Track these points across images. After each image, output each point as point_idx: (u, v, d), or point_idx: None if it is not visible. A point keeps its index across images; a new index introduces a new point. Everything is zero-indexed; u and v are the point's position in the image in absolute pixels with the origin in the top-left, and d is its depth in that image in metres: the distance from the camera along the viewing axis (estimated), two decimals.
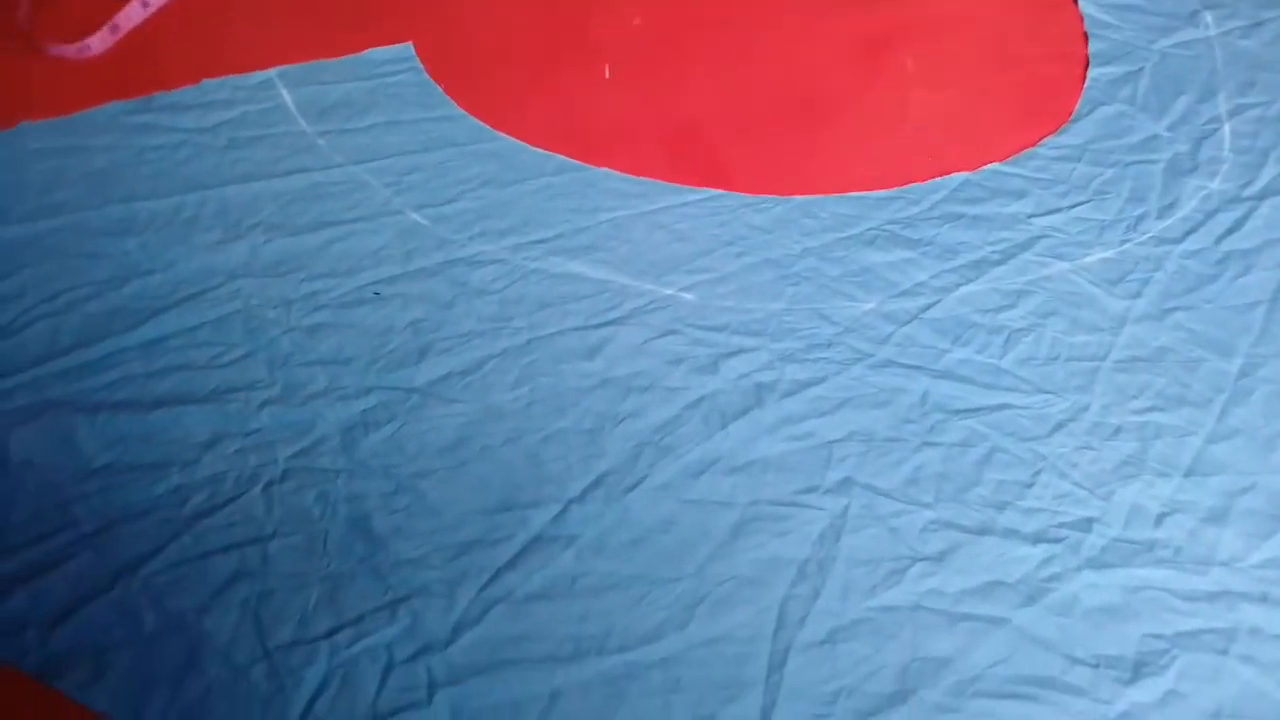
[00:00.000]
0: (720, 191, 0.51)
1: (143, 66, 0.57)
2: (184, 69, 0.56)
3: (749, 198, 0.51)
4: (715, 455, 0.41)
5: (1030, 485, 0.40)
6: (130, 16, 0.59)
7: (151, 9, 0.60)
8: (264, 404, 0.42)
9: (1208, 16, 0.62)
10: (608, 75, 0.58)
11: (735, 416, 0.42)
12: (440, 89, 0.56)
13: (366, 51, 0.58)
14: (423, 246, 0.48)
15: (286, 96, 0.55)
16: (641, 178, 0.52)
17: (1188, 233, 0.50)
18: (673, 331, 0.45)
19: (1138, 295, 0.47)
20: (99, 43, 0.58)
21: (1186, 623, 0.36)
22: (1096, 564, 0.38)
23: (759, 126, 0.55)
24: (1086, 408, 0.43)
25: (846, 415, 0.42)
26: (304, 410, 0.42)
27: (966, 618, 0.36)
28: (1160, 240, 0.50)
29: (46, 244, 0.47)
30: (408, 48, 0.58)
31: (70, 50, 0.57)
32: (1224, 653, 0.36)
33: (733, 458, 0.41)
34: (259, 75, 0.56)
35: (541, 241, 0.49)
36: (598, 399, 0.43)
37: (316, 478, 0.40)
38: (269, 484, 0.39)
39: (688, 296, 0.47)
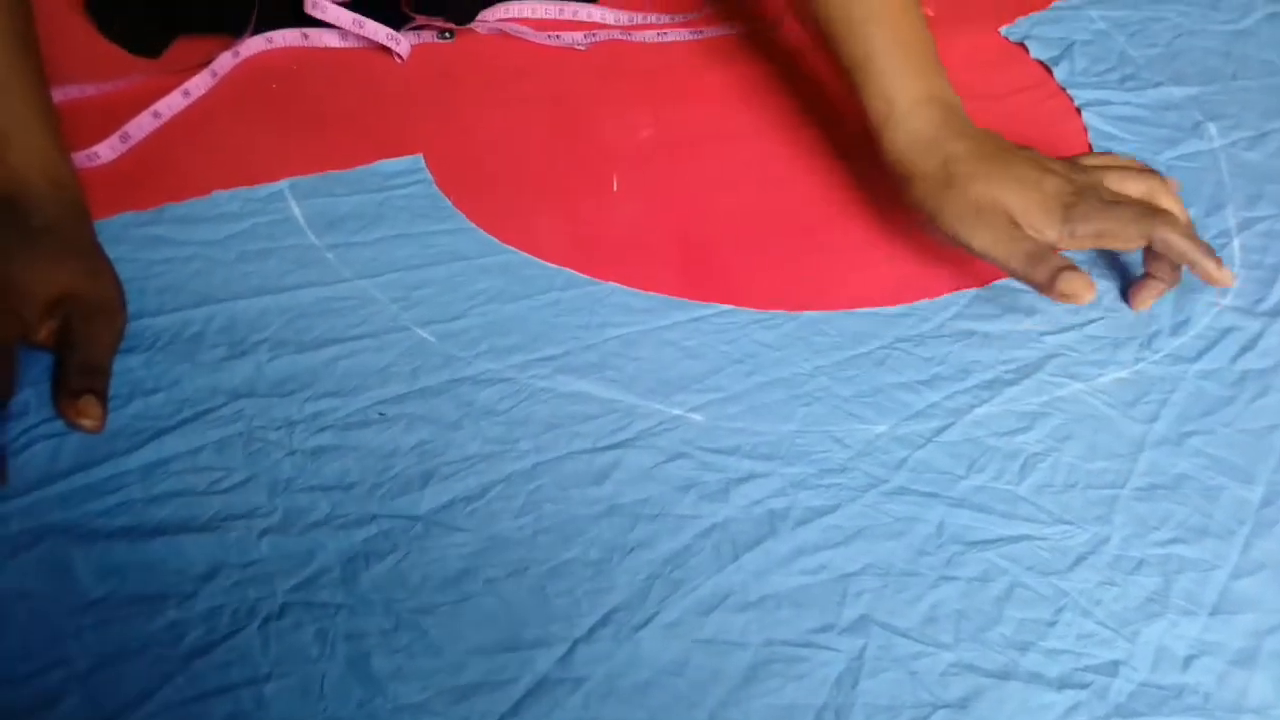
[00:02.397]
0: (730, 307, 0.51)
1: (153, 176, 0.57)
2: (195, 179, 0.57)
3: (759, 313, 0.51)
4: (728, 589, 0.40)
5: (1053, 624, 0.39)
6: (141, 125, 0.60)
7: (163, 119, 0.61)
8: (264, 532, 0.41)
9: (1212, 128, 0.63)
10: (615, 187, 0.58)
11: (748, 547, 0.41)
12: (449, 201, 0.56)
13: (377, 163, 0.58)
14: (429, 364, 0.48)
15: (296, 209, 0.55)
16: (650, 292, 0.52)
17: (1202, 352, 0.49)
18: (682, 455, 0.44)
19: (1155, 418, 0.46)
20: (109, 151, 0.58)
21: None
22: (1125, 712, 0.36)
23: (769, 239, 0.55)
24: (1107, 539, 0.42)
25: (861, 546, 0.41)
26: (304, 540, 0.41)
27: None
28: (1175, 359, 0.49)
29: (49, 362, 0.46)
30: (418, 159, 0.59)
31: (80, 158, 0.57)
32: None
33: (745, 592, 0.40)
34: (270, 187, 0.56)
35: (549, 359, 0.48)
36: (606, 527, 0.42)
37: (315, 613, 0.39)
38: (266, 619, 0.38)
39: (697, 417, 0.46)
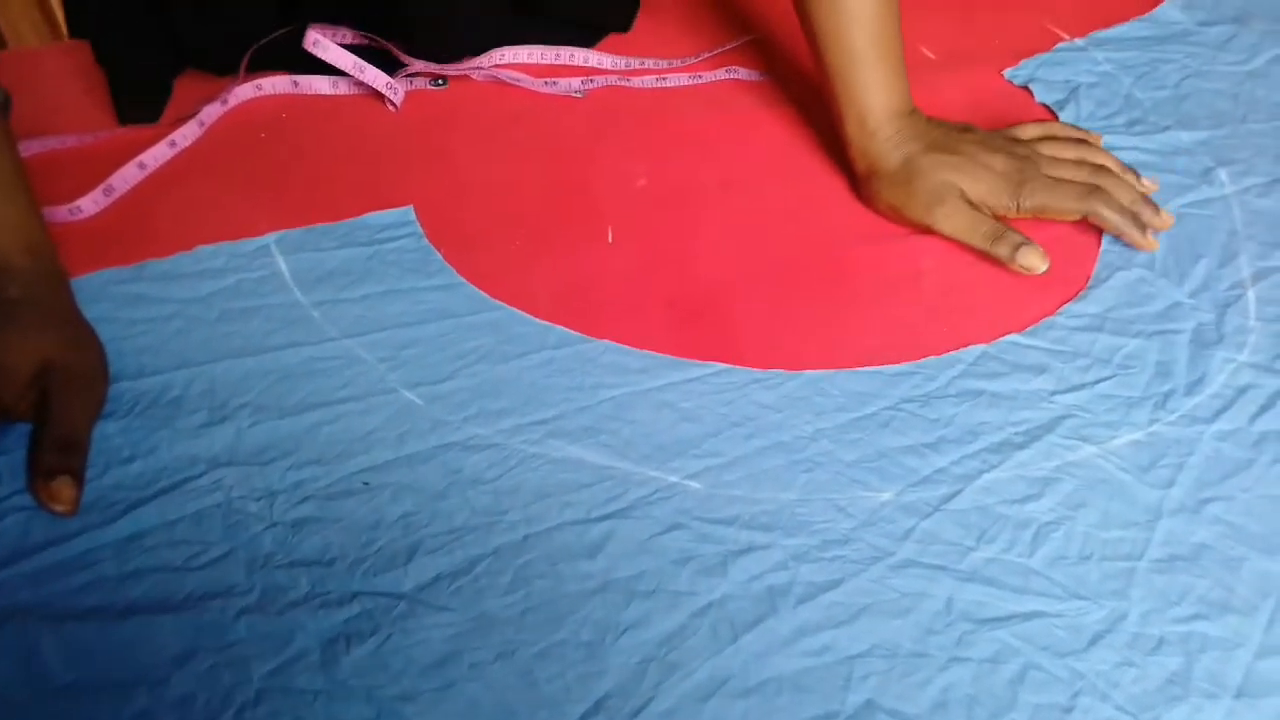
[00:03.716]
0: (727, 366, 0.49)
1: (136, 230, 0.56)
2: (179, 233, 0.55)
3: (758, 373, 0.49)
4: (726, 674, 0.38)
5: (1069, 710, 0.37)
6: (126, 177, 0.58)
7: (148, 170, 0.59)
8: (241, 612, 0.39)
9: (1223, 174, 0.61)
10: (610, 239, 0.56)
11: (747, 627, 0.39)
12: (440, 255, 0.55)
13: (366, 215, 0.57)
14: (416, 429, 0.46)
15: (282, 264, 0.54)
16: (645, 350, 0.50)
17: (1219, 412, 0.48)
18: (679, 526, 0.43)
19: (1171, 484, 0.44)
20: (92, 204, 0.57)
21: None
22: None
23: (766, 294, 0.54)
24: (1125, 616, 0.40)
25: (866, 625, 0.39)
26: (283, 620, 0.39)
27: None
28: (1191, 420, 0.47)
29: (24, 429, 0.45)
30: (408, 211, 0.57)
31: (61, 211, 0.56)
32: None
33: (745, 677, 0.38)
34: (255, 241, 0.55)
35: (540, 423, 0.46)
36: (598, 605, 0.40)
37: (293, 700, 0.37)
38: (242, 708, 0.36)
39: (694, 485, 0.44)
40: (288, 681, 0.37)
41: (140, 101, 0.63)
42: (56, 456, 0.42)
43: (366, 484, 0.44)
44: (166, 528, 0.42)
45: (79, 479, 0.42)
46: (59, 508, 0.41)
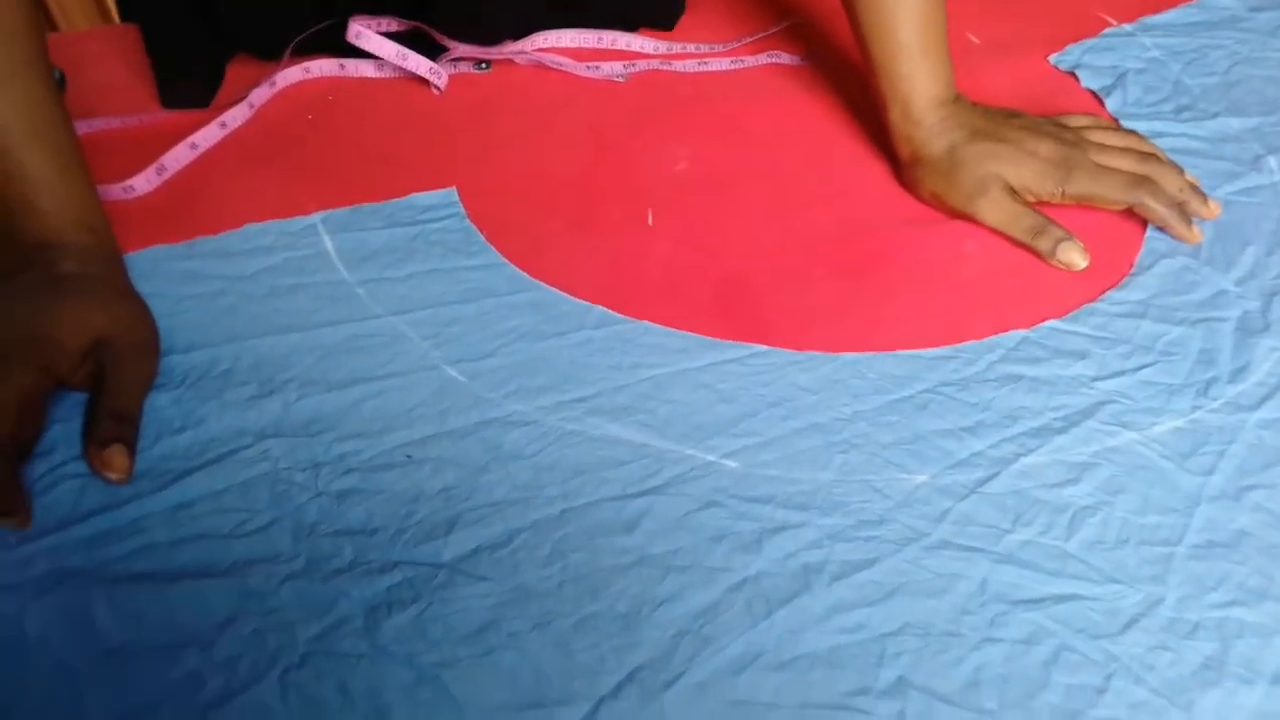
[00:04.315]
0: (765, 348, 0.50)
1: (187, 208, 0.57)
2: (229, 211, 0.56)
3: (795, 355, 0.49)
4: (760, 648, 0.38)
5: (1103, 691, 0.37)
6: (178, 157, 0.60)
7: (200, 150, 0.61)
8: (286, 579, 0.40)
9: (1272, 161, 0.60)
10: (650, 221, 0.57)
11: (781, 603, 0.39)
12: (482, 235, 0.55)
13: (410, 196, 0.58)
14: (458, 405, 0.47)
15: (329, 243, 0.55)
16: (684, 331, 0.50)
17: (1262, 400, 0.47)
18: (714, 503, 0.43)
19: (1212, 471, 0.44)
20: (145, 183, 0.58)
21: None
22: None
23: (806, 278, 0.54)
24: (1161, 600, 0.40)
25: (900, 604, 0.40)
26: (327, 587, 0.40)
27: None
28: (1234, 408, 0.47)
29: (79, 398, 0.46)
30: (451, 193, 0.58)
31: (115, 189, 0.57)
32: None
33: (778, 652, 0.38)
34: (302, 220, 0.56)
35: (579, 401, 0.47)
36: (634, 579, 0.40)
37: (336, 664, 0.38)
38: (286, 670, 0.37)
39: (730, 464, 0.45)
40: (331, 645, 0.38)
41: (189, 87, 0.65)
42: (111, 426, 0.44)
43: (409, 457, 0.44)
44: (215, 496, 0.43)
45: (131, 448, 0.44)
46: (113, 475, 0.43)
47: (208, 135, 0.61)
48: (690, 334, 0.50)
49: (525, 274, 0.53)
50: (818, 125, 0.64)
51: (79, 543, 0.41)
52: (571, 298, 0.52)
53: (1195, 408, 0.47)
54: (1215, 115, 0.63)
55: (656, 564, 0.41)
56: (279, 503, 0.43)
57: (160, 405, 0.46)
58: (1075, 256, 0.53)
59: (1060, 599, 0.40)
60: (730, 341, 0.50)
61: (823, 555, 0.41)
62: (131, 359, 0.46)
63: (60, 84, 0.62)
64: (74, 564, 0.40)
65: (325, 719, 0.36)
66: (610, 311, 0.51)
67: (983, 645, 0.38)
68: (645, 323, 0.51)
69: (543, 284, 0.53)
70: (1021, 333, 0.50)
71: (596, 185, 0.59)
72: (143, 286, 0.50)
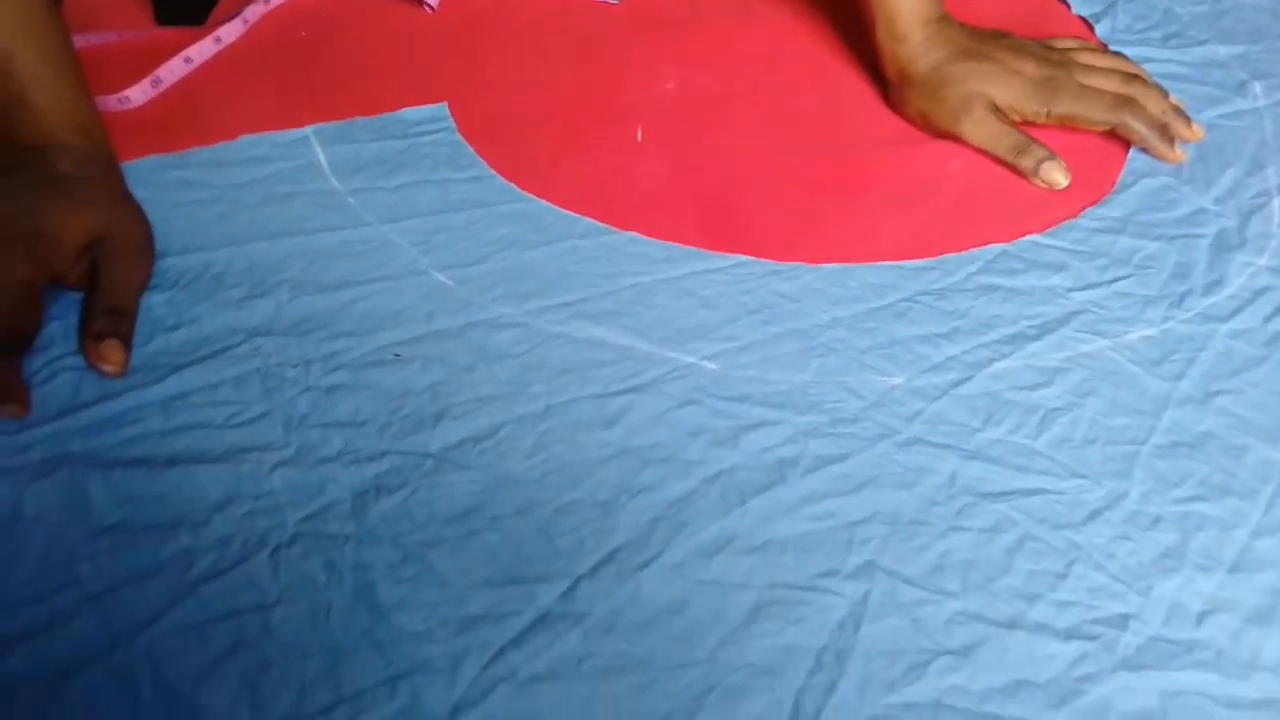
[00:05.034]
0: (749, 258, 0.51)
1: (183, 120, 0.58)
2: (223, 124, 0.57)
3: (778, 265, 0.50)
4: (732, 533, 0.39)
5: (1064, 576, 0.38)
6: (173, 70, 0.60)
7: (194, 64, 0.61)
8: (277, 465, 0.41)
9: (1257, 87, 0.61)
10: (639, 138, 0.57)
11: (755, 493, 0.41)
12: (472, 149, 0.56)
13: (401, 110, 0.58)
14: (445, 308, 0.48)
15: (321, 154, 0.56)
16: (669, 242, 0.51)
17: (1234, 311, 0.48)
18: (694, 401, 0.44)
19: (1181, 376, 0.45)
20: (140, 94, 0.59)
21: None
22: (1132, 665, 0.36)
23: (791, 192, 0.55)
24: (1125, 495, 0.41)
25: (871, 495, 0.41)
26: (316, 473, 0.41)
27: (991, 719, 0.34)
28: (1205, 318, 0.48)
29: (76, 297, 0.47)
30: (442, 108, 0.59)
31: (111, 101, 0.58)
32: None
33: (750, 537, 0.39)
34: (295, 133, 0.57)
35: (565, 305, 0.48)
36: (613, 470, 0.41)
37: (324, 544, 0.39)
38: (276, 548, 0.39)
39: (711, 365, 0.46)
40: (320, 527, 0.39)
41: (185, 4, 0.65)
42: (106, 321, 0.45)
43: (397, 355, 0.46)
44: (208, 389, 0.44)
45: (127, 343, 0.45)
46: (108, 368, 0.44)
47: (202, 49, 0.61)
48: (675, 244, 0.51)
49: (514, 186, 0.54)
50: (808, 47, 0.64)
51: (76, 430, 0.42)
52: (559, 209, 0.53)
53: (1168, 318, 0.48)
54: (1203, 42, 0.64)
55: (636, 456, 0.42)
56: (270, 396, 0.44)
57: (155, 305, 0.47)
58: (1057, 175, 0.54)
59: (1026, 492, 0.41)
60: (714, 252, 0.51)
61: (797, 450, 0.42)
62: (127, 257, 0.47)
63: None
64: (71, 450, 0.42)
65: (313, 594, 0.37)
66: (597, 222, 0.52)
67: (949, 533, 0.40)
68: (631, 233, 0.52)
69: (531, 195, 0.54)
70: (1001, 246, 0.51)
71: (586, 103, 0.60)
72: (139, 193, 0.51)
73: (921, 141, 0.58)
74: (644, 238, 0.52)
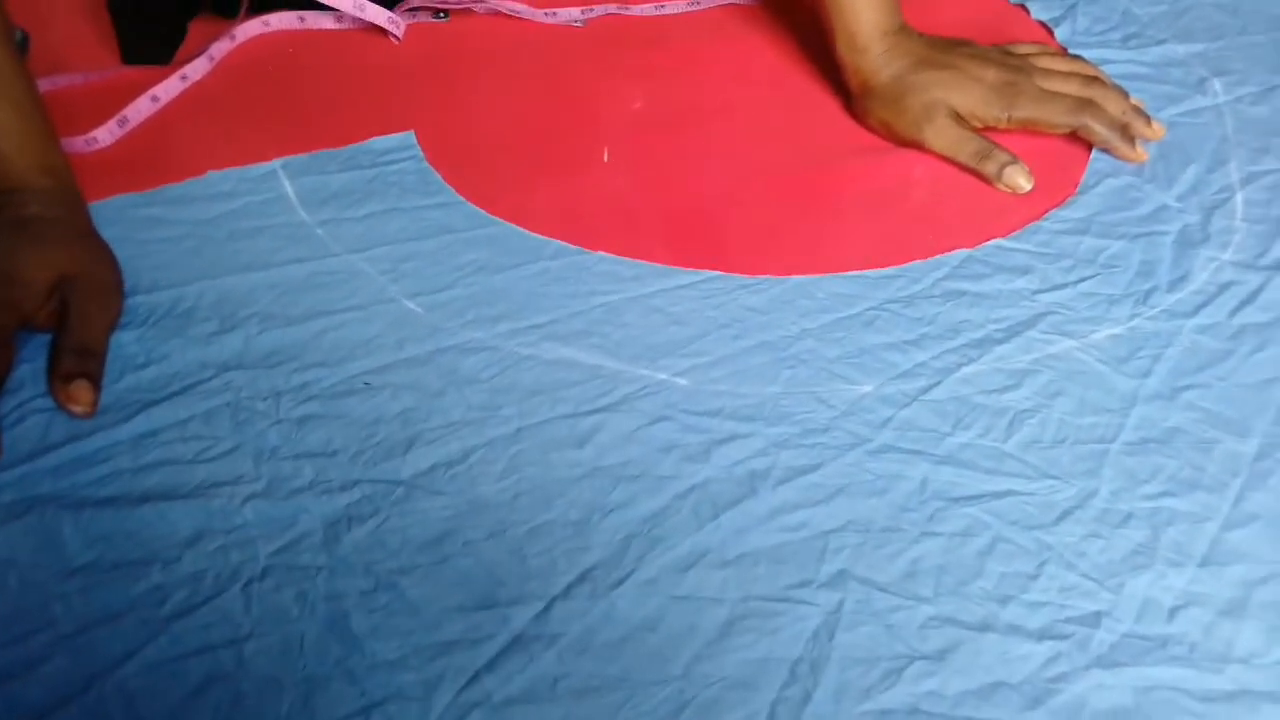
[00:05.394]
0: (717, 273, 0.51)
1: (150, 158, 0.58)
2: (191, 161, 0.57)
3: (746, 279, 0.51)
4: (705, 548, 0.39)
5: (1035, 577, 0.38)
6: (139, 109, 0.60)
7: (161, 103, 0.61)
8: (248, 498, 0.41)
9: (1217, 84, 0.61)
10: (606, 159, 0.58)
11: (727, 506, 0.41)
12: (439, 176, 0.56)
13: (368, 140, 0.59)
14: (415, 334, 0.48)
15: (288, 187, 0.56)
16: (638, 260, 0.52)
17: (1199, 306, 0.48)
18: (665, 418, 0.44)
19: (1148, 374, 0.45)
20: (107, 135, 0.59)
21: None
22: (1106, 662, 0.36)
23: (758, 207, 0.55)
24: (1095, 493, 0.41)
25: (842, 504, 0.41)
26: (288, 505, 0.41)
27: None
28: (1171, 315, 0.48)
29: (45, 340, 0.47)
30: (409, 136, 0.59)
31: (78, 142, 0.58)
32: None
33: (723, 550, 0.39)
34: (263, 167, 0.57)
35: (535, 327, 0.48)
36: (586, 489, 0.42)
37: (297, 575, 0.39)
38: (249, 582, 0.39)
39: (681, 381, 0.46)
40: (292, 559, 0.39)
41: (151, 43, 0.65)
42: (74, 361, 0.45)
43: (367, 384, 0.46)
44: (179, 425, 0.44)
45: (96, 383, 0.45)
46: (77, 409, 0.44)
47: (169, 88, 0.62)
48: (644, 262, 0.51)
49: (482, 211, 0.54)
50: (771, 63, 0.65)
51: (46, 471, 0.42)
52: (528, 232, 0.53)
53: (1134, 315, 0.48)
54: (1162, 42, 0.64)
55: (608, 475, 0.42)
56: (241, 429, 0.44)
57: (124, 343, 0.48)
58: (1020, 180, 0.54)
59: (997, 495, 0.41)
60: (683, 268, 0.51)
61: (768, 462, 0.42)
62: (95, 296, 0.47)
63: (23, 44, 0.62)
64: (42, 491, 0.42)
65: (286, 625, 0.37)
66: (566, 244, 0.52)
67: (921, 539, 0.40)
68: (600, 253, 0.52)
69: (499, 220, 0.54)
70: (966, 251, 0.52)
71: (553, 126, 0.60)
72: (107, 232, 0.51)
73: (885, 151, 0.58)
74: (613, 257, 0.52)
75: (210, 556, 0.39)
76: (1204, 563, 0.39)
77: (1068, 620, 0.37)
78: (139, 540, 0.40)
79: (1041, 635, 0.37)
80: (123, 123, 0.60)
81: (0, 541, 0.40)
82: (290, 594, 0.38)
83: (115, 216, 0.54)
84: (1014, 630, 0.37)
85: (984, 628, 0.37)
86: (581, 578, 0.39)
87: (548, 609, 0.38)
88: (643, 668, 0.36)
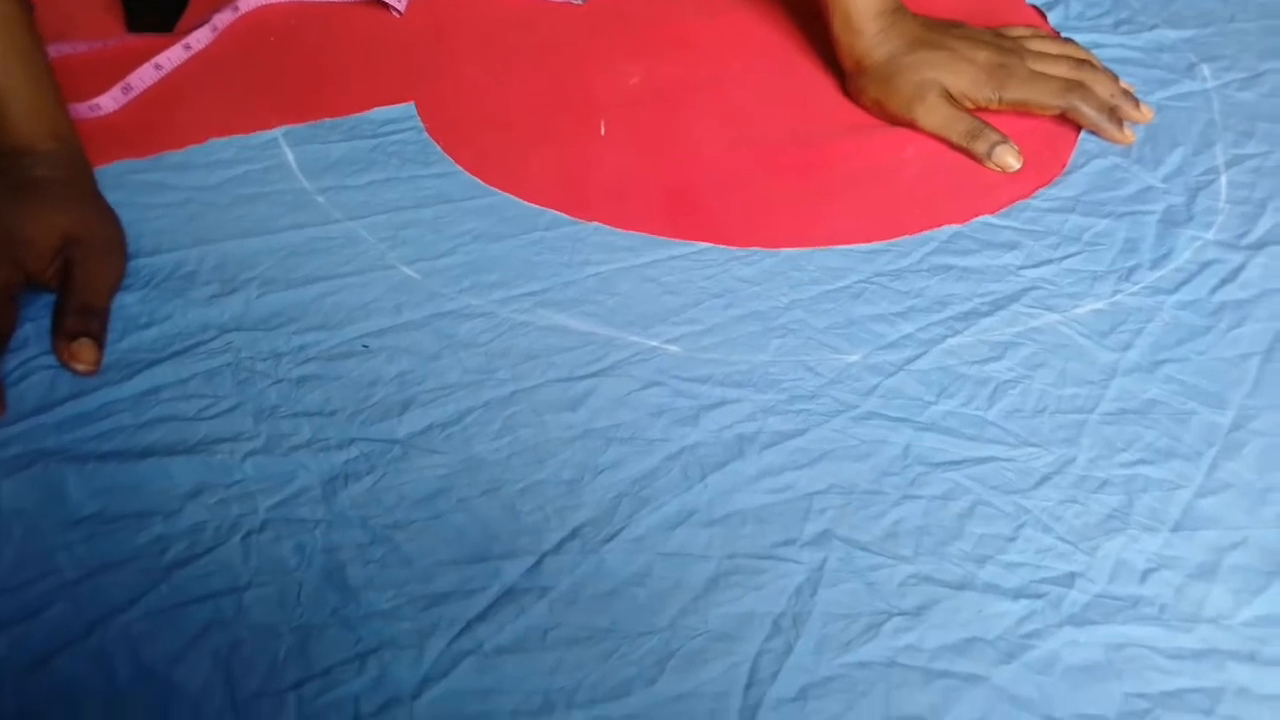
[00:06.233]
0: (710, 245, 0.52)
1: (153, 126, 0.59)
2: (193, 129, 0.58)
3: (738, 251, 0.52)
4: (693, 507, 0.41)
5: (1013, 539, 0.39)
6: (143, 77, 0.61)
7: (164, 71, 0.62)
8: (248, 455, 0.42)
9: (1205, 69, 0.62)
10: (603, 132, 0.59)
11: (715, 468, 0.42)
12: (439, 146, 0.57)
13: (370, 111, 0.59)
14: (412, 300, 0.49)
15: (289, 155, 0.57)
16: (632, 232, 0.52)
17: (1181, 284, 0.49)
18: (656, 383, 0.45)
19: (1128, 347, 0.46)
20: (111, 102, 0.60)
21: (1171, 682, 0.35)
22: (1078, 621, 0.37)
23: (752, 181, 0.56)
24: (1073, 460, 0.42)
25: (827, 467, 0.42)
26: (287, 461, 0.42)
27: (943, 675, 0.36)
28: (1153, 291, 0.49)
29: (50, 299, 0.48)
30: (410, 107, 0.60)
31: (82, 108, 0.59)
32: (1209, 713, 0.34)
33: (710, 510, 0.40)
34: (264, 135, 0.58)
35: (530, 294, 0.49)
36: (578, 450, 0.43)
37: (295, 528, 0.40)
38: (248, 534, 0.40)
39: (673, 349, 0.47)
40: (290, 512, 0.40)
41: (155, 11, 0.66)
42: (78, 320, 0.46)
43: (365, 347, 0.47)
44: (180, 384, 0.45)
45: (99, 342, 0.46)
46: (80, 367, 0.45)
47: (172, 56, 0.62)
48: (638, 233, 0.52)
49: (480, 181, 0.55)
50: (766, 40, 0.66)
51: (51, 426, 0.43)
52: (525, 202, 0.54)
53: (1116, 291, 0.49)
54: (1153, 27, 0.65)
55: (600, 436, 0.43)
56: (241, 388, 0.45)
57: (127, 304, 0.48)
58: (1010, 159, 0.55)
59: (978, 461, 0.42)
60: (677, 240, 0.52)
61: (756, 426, 0.43)
62: (99, 257, 0.48)
63: (30, 6, 0.63)
64: (46, 445, 0.43)
65: (284, 576, 0.38)
66: (562, 214, 0.53)
67: (903, 502, 0.41)
68: (595, 224, 0.53)
69: (497, 190, 0.55)
70: (954, 227, 0.52)
71: (551, 100, 0.61)
72: (111, 197, 0.52)
73: (878, 129, 0.59)
74: (608, 228, 0.53)
75: (211, 509, 0.41)
76: (1176, 528, 0.40)
77: (1043, 580, 0.38)
78: (141, 493, 0.41)
79: (1017, 594, 0.38)
80: (127, 90, 0.60)
81: (5, 493, 0.41)
82: (288, 546, 0.39)
83: (118, 182, 0.54)
84: (991, 589, 0.38)
85: (962, 586, 0.38)
86: (572, 534, 0.40)
87: (539, 563, 0.39)
88: (630, 620, 0.37)
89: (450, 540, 0.40)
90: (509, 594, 0.38)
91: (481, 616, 0.37)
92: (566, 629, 0.37)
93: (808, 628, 0.37)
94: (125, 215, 0.51)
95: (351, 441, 0.43)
